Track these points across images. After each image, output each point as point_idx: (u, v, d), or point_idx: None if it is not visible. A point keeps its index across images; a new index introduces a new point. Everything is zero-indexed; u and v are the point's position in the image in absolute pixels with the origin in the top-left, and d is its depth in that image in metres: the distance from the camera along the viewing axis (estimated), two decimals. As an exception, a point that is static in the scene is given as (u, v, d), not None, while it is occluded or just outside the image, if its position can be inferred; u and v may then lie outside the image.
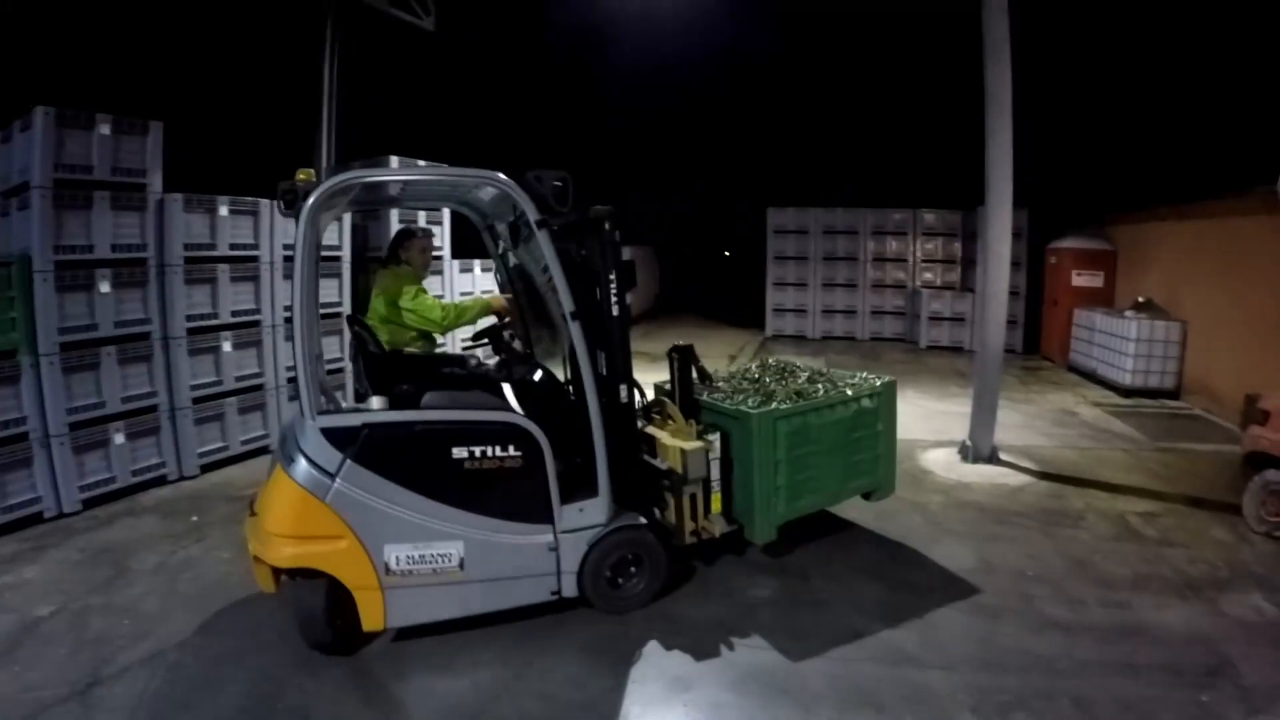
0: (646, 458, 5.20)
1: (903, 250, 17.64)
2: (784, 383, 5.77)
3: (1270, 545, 5.96)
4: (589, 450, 4.67)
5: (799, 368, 6.22)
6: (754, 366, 6.32)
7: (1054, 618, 4.84)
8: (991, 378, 7.83)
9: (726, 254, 24.76)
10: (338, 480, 4.12)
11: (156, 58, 11.26)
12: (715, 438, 5.17)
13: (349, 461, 4.13)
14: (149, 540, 5.85)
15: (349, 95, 11.22)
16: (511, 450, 4.39)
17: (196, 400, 7.25)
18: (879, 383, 5.84)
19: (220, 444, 7.54)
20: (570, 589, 4.68)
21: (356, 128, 11.48)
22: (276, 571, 4.21)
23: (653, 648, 4.48)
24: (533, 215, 4.39)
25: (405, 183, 5.45)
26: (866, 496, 5.96)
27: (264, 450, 7.88)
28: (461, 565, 4.36)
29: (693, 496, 5.14)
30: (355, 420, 4.22)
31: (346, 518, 4.13)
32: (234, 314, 7.60)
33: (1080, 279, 14.23)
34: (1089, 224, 14.73)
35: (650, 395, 5.67)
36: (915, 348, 16.59)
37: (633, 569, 4.88)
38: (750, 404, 5.32)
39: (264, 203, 7.79)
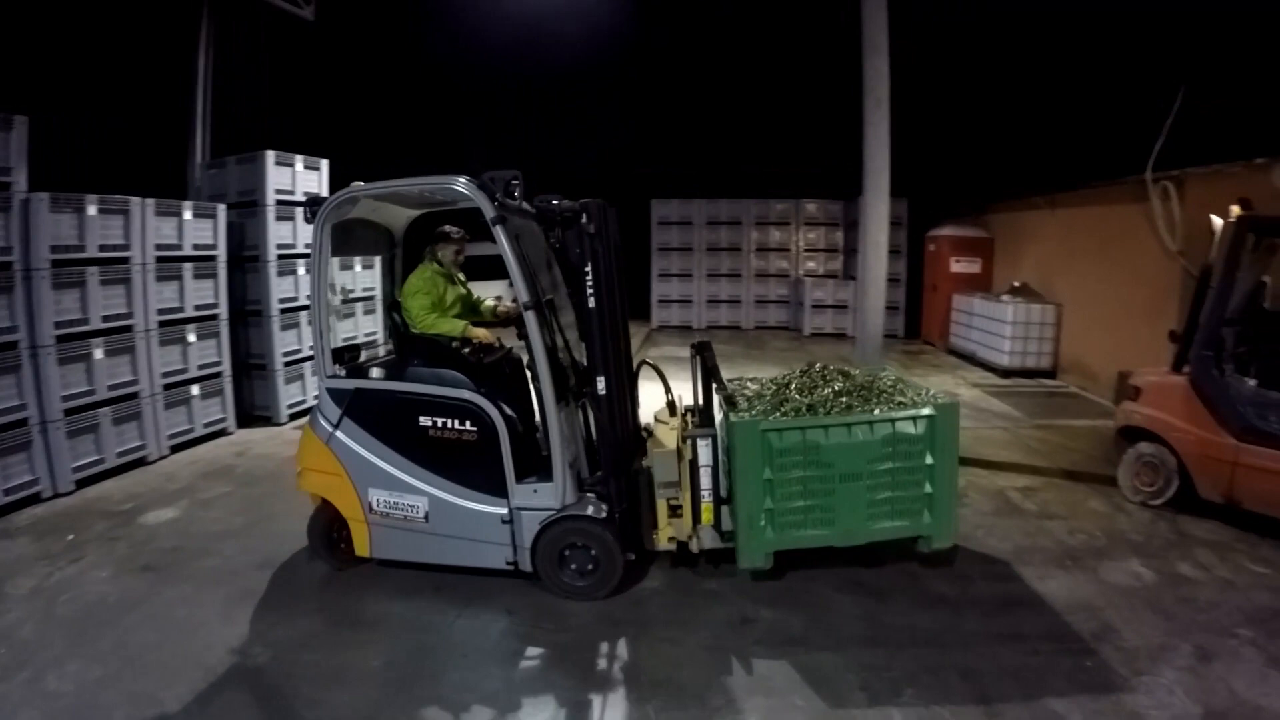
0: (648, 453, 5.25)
1: (786, 240, 18.09)
2: (814, 391, 5.17)
3: (1145, 514, 6.31)
4: (546, 435, 4.93)
5: (847, 373, 5.40)
6: (797, 370, 5.59)
7: (940, 593, 5.00)
8: (872, 361, 8.03)
9: None
10: (337, 430, 5.11)
11: (18, 47, 10.61)
12: (705, 443, 4.91)
13: (344, 416, 5.08)
14: (24, 562, 5.53)
15: (224, 88, 10.79)
16: (468, 425, 4.90)
17: (68, 412, 6.88)
18: (934, 404, 4.92)
19: (95, 457, 7.17)
20: (526, 564, 4.99)
21: (232, 121, 11.04)
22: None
23: (541, 648, 4.47)
24: (489, 213, 4.65)
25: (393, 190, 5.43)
26: (914, 543, 5.05)
27: (142, 461, 7.60)
28: (427, 518, 5.03)
29: (671, 502, 5.06)
30: (350, 384, 5.16)
31: (341, 460, 5.11)
32: (105, 319, 7.24)
33: (959, 265, 14.83)
34: (967, 212, 15.32)
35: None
36: (799, 335, 16.92)
37: (583, 559, 4.94)
38: (753, 412, 4.96)
39: (134, 200, 7.46)
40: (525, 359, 5.30)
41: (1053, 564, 5.42)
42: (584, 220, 4.77)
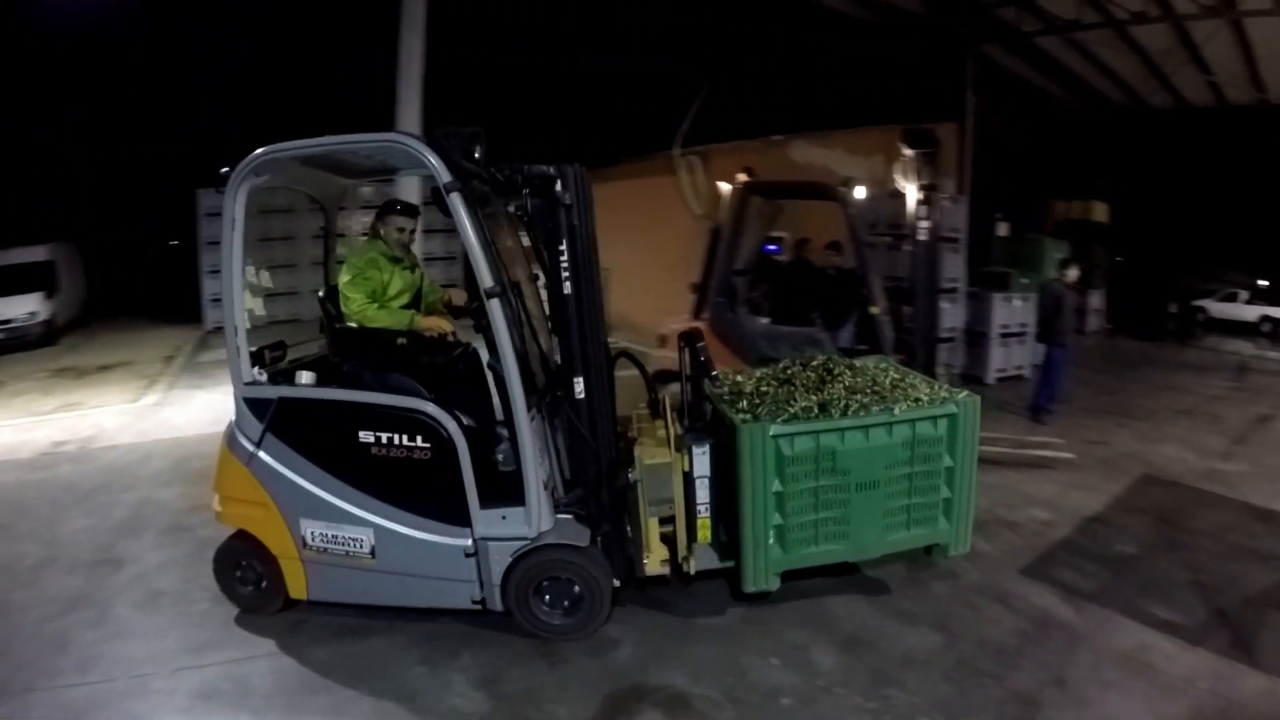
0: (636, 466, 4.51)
1: (344, 226, 17.36)
2: (823, 389, 4.55)
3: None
4: (515, 450, 4.17)
5: (852, 366, 4.86)
6: (796, 362, 4.98)
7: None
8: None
9: (174, 243, 22.12)
10: (259, 450, 4.29)
11: None
12: (703, 451, 4.27)
13: (267, 432, 4.26)
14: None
15: None
16: (419, 441, 4.11)
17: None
18: (956, 401, 4.45)
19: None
20: (496, 602, 4.29)
21: None
22: None
23: (186, 677, 4.11)
24: (443, 178, 3.95)
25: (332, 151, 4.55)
26: (927, 551, 4.73)
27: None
28: (373, 553, 4.27)
29: (666, 520, 4.39)
30: (272, 393, 4.30)
31: (267, 486, 4.29)
32: None
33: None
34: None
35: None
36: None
37: (565, 593, 4.29)
38: (758, 412, 4.32)
39: None
40: (486, 358, 4.44)
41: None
42: (558, 188, 4.10)
